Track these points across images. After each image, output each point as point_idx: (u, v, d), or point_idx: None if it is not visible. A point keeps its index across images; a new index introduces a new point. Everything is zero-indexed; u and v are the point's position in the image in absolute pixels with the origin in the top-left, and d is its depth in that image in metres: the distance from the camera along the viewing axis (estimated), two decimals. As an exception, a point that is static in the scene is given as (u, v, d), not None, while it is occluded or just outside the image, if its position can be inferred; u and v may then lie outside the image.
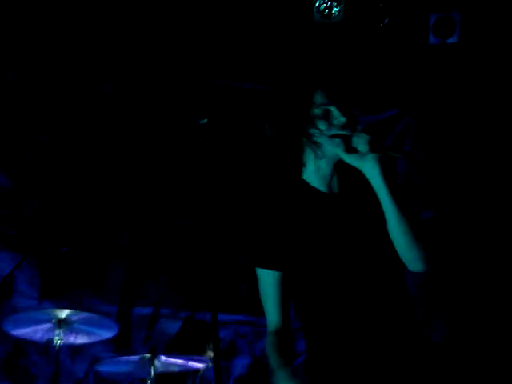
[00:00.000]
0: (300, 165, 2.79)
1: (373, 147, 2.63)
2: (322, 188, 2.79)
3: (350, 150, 2.67)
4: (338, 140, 2.68)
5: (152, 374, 4.58)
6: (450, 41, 5.23)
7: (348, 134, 2.67)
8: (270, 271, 2.77)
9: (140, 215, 5.85)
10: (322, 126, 2.71)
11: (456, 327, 5.71)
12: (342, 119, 2.69)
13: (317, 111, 2.72)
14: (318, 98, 2.73)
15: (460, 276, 5.73)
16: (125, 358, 4.85)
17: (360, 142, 2.65)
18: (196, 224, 5.71)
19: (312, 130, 2.71)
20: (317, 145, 2.72)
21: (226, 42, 5.67)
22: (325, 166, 2.77)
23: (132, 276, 5.78)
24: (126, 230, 5.81)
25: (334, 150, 2.70)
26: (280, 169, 2.85)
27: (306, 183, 2.80)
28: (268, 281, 2.78)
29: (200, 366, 4.69)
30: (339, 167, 2.78)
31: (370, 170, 2.64)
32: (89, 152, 5.74)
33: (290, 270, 2.75)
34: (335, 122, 2.70)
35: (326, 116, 2.72)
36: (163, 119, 5.84)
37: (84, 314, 4.62)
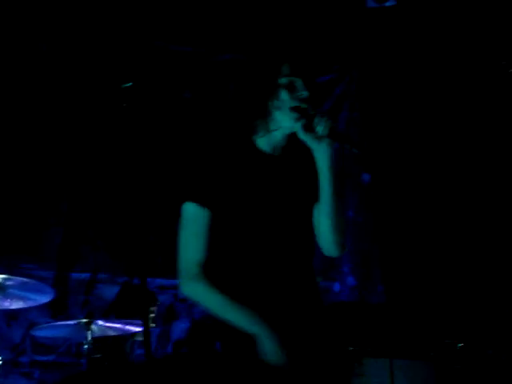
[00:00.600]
0: (254, 127, 2.83)
1: (332, 134, 2.69)
2: (268, 151, 2.84)
3: (308, 128, 2.71)
4: (297, 114, 2.72)
5: (89, 338, 4.56)
6: (388, 4, 5.24)
7: (309, 110, 2.71)
8: (204, 209, 2.75)
9: (77, 180, 5.79)
10: (284, 96, 2.75)
11: (395, 292, 5.80)
12: (305, 93, 2.74)
13: (282, 81, 2.76)
14: (286, 69, 2.77)
15: (401, 244, 5.80)
16: (62, 322, 4.81)
17: (321, 124, 2.69)
18: (131, 188, 5.68)
19: (274, 99, 2.76)
20: (274, 113, 2.77)
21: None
22: (277, 135, 2.82)
23: (69, 241, 5.73)
24: (63, 194, 5.76)
25: (290, 122, 2.75)
26: (230, 127, 2.89)
27: (253, 144, 2.84)
28: (200, 219, 2.75)
29: (137, 329, 4.68)
30: (289, 139, 2.84)
31: (322, 153, 2.72)
32: (23, 117, 5.65)
33: (224, 212, 2.76)
34: (298, 94, 2.74)
35: (291, 88, 2.75)
36: (93, 82, 5.78)
37: (19, 279, 4.55)
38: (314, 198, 2.81)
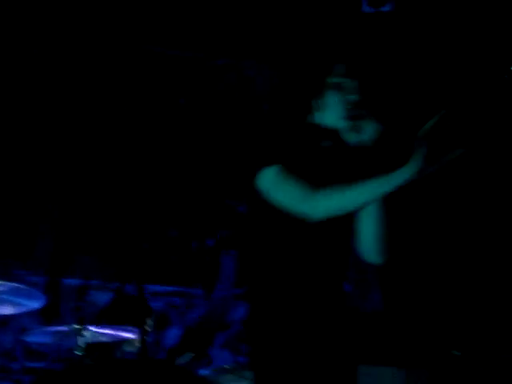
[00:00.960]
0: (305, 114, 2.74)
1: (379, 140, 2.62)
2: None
3: (355, 130, 2.67)
4: (345, 115, 2.67)
5: (81, 344, 4.51)
6: (384, 9, 5.21)
7: (357, 113, 2.66)
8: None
9: (69, 185, 5.76)
10: (332, 96, 2.69)
11: (392, 302, 5.76)
12: (354, 96, 2.68)
13: (332, 80, 2.70)
14: (338, 69, 2.71)
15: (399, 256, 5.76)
16: (53, 328, 4.77)
17: (368, 129, 2.63)
18: (125, 193, 5.65)
19: (319, 98, 2.70)
20: (316, 112, 2.71)
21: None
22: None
23: (61, 247, 5.69)
24: (55, 200, 5.72)
25: (335, 122, 2.71)
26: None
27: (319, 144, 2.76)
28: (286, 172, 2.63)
29: (130, 336, 4.64)
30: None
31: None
32: (11, 122, 5.62)
33: None
34: (346, 96, 2.69)
35: (339, 88, 2.69)
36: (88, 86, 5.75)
37: (10, 285, 4.52)
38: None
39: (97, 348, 4.81)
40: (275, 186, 2.62)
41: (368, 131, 2.63)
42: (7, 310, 4.63)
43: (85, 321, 4.62)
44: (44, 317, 5.37)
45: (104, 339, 4.66)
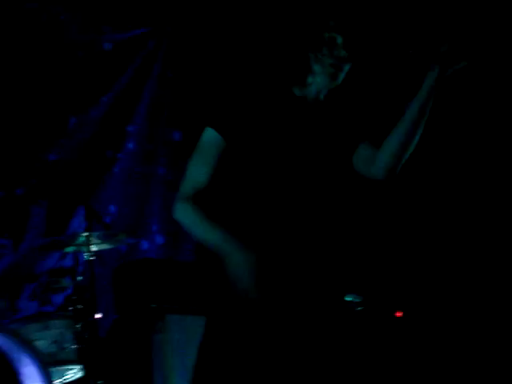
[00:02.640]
0: (291, 76, 2.81)
1: None
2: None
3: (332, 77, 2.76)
4: (333, 71, 2.74)
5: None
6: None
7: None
8: (221, 138, 2.71)
9: None
10: (325, 51, 2.74)
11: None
12: (343, 52, 2.74)
13: (326, 35, 2.75)
14: (331, 24, 2.76)
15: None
16: None
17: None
18: None
19: (316, 51, 2.75)
20: (313, 66, 2.76)
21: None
22: (311, 90, 2.81)
23: None
24: None
25: (326, 79, 2.76)
26: (267, 72, 2.86)
27: (288, 89, 2.82)
28: (214, 146, 2.71)
29: None
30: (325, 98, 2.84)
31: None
32: None
33: (239, 146, 2.71)
34: (335, 52, 2.74)
35: (331, 44, 2.75)
36: None
37: None
38: (348, 149, 2.80)
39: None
40: (195, 149, 2.77)
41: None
42: None
43: None
44: None
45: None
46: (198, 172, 2.73)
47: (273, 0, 5.11)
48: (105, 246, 4.70)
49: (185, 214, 2.70)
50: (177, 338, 4.55)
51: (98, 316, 4.53)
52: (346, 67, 2.77)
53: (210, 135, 2.74)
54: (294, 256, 2.68)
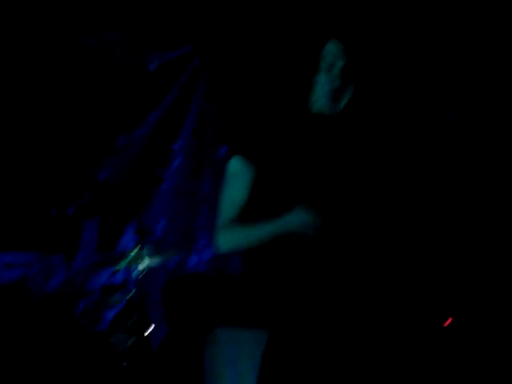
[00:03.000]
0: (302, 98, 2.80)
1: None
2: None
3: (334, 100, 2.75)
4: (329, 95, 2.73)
5: None
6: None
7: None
8: (250, 166, 2.71)
9: None
10: (323, 76, 2.74)
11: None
12: (337, 82, 2.72)
13: (327, 59, 2.74)
14: (332, 47, 2.75)
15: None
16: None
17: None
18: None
19: (317, 75, 2.75)
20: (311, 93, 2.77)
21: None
22: (323, 107, 2.79)
23: None
24: None
25: (322, 103, 2.75)
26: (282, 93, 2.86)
27: (305, 108, 2.81)
28: (244, 175, 2.71)
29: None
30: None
31: None
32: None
33: (268, 172, 2.71)
34: (332, 78, 2.73)
35: (330, 68, 2.74)
36: None
37: None
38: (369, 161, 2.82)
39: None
40: (224, 180, 2.78)
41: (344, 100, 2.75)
42: None
43: None
44: None
45: None
46: (230, 204, 2.75)
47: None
48: (154, 262, 4.76)
49: (226, 241, 2.74)
50: (227, 350, 4.58)
51: (149, 330, 4.59)
52: (347, 92, 2.75)
53: (238, 164, 2.74)
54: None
